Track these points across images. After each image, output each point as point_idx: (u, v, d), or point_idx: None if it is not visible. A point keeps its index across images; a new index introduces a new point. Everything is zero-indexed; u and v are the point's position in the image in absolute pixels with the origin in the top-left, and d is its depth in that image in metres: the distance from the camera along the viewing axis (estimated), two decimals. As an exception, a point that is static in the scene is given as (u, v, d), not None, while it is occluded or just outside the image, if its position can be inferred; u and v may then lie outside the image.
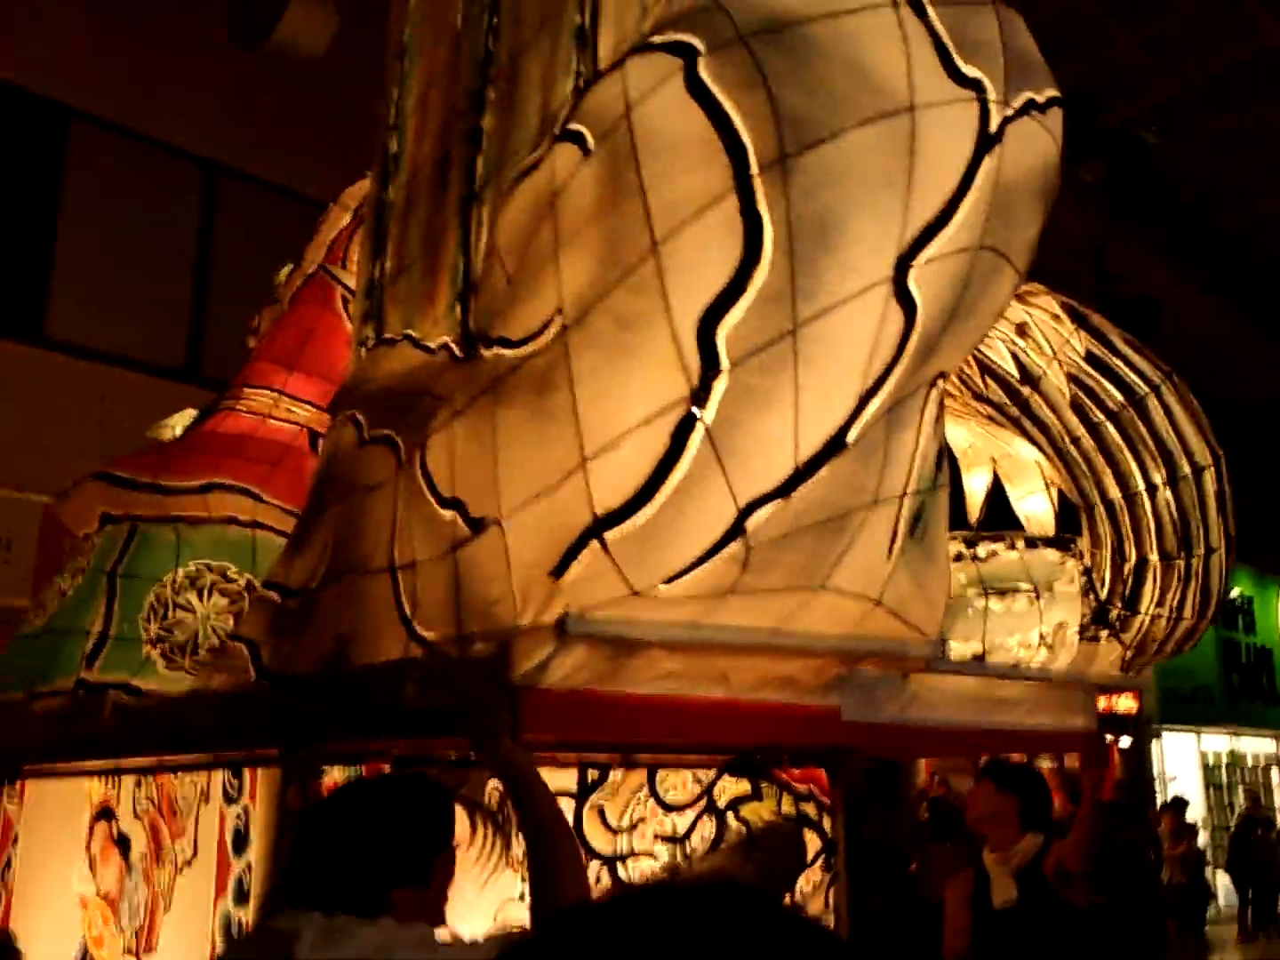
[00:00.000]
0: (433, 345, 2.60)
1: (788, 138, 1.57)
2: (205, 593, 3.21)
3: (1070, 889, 2.71)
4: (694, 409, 1.60)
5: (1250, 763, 15.48)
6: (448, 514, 1.94)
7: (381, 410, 2.49)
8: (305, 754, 2.28)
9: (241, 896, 2.34)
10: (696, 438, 1.60)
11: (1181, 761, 13.69)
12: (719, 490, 1.63)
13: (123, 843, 2.83)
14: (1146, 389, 2.50)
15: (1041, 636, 2.52)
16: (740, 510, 1.64)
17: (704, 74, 1.64)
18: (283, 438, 3.53)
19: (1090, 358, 2.53)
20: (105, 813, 2.92)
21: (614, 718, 1.90)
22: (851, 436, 1.68)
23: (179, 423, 4.58)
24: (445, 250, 2.60)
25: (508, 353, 1.82)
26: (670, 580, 1.69)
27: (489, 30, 2.47)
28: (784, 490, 1.65)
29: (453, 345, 2.49)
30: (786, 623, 1.87)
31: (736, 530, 1.65)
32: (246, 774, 2.42)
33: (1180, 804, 10.39)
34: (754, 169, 1.57)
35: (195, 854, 2.53)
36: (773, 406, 1.62)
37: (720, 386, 1.59)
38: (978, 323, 1.83)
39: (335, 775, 2.40)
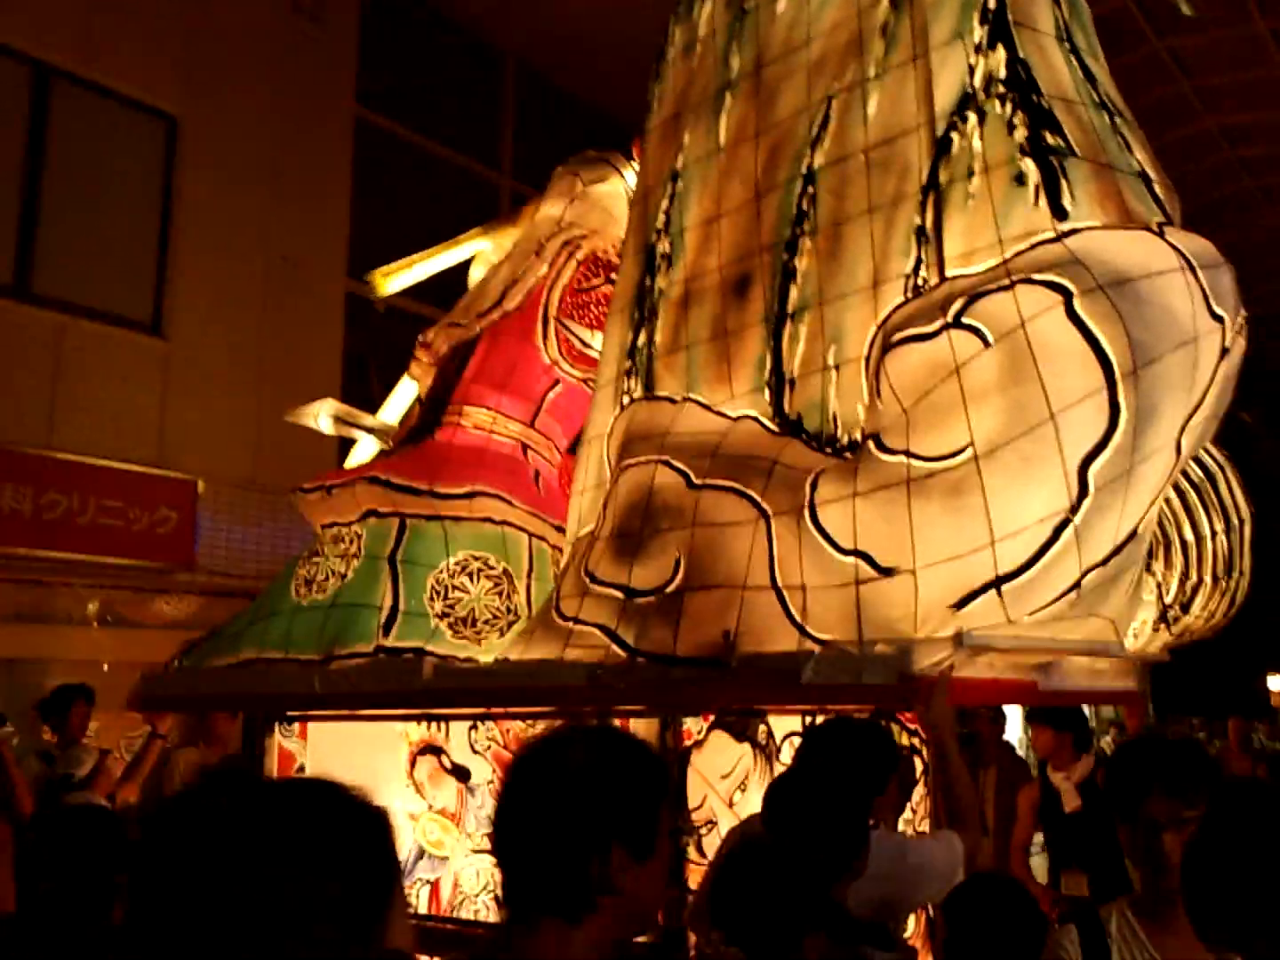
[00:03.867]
0: (731, 414, 3.56)
1: (1137, 357, 2.65)
2: (474, 577, 4.06)
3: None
4: (1070, 516, 2.67)
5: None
6: (849, 559, 2.94)
7: (708, 464, 3.43)
8: (674, 709, 3.26)
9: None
10: (1068, 532, 2.68)
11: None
12: (1073, 562, 2.71)
13: (458, 772, 3.71)
14: (1216, 468, 3.73)
15: (1134, 631, 3.72)
16: (1082, 572, 2.73)
17: (1079, 308, 2.69)
18: (508, 451, 4.39)
19: (1179, 445, 3.73)
20: (431, 749, 3.80)
21: (960, 693, 2.96)
22: (1140, 529, 2.80)
23: (320, 411, 5.30)
24: (745, 345, 3.55)
25: (918, 463, 2.83)
26: (1032, 614, 2.77)
27: (803, 195, 3.42)
28: (1105, 561, 2.75)
29: (763, 418, 3.47)
30: (1063, 634, 2.97)
31: (1077, 585, 2.75)
32: (616, 723, 3.37)
33: None
34: (1117, 375, 2.64)
35: (558, 780, 3.46)
36: (1110, 513, 2.70)
37: (1087, 503, 2.66)
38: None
39: (689, 725, 3.40)
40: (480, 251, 5.52)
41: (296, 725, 4.20)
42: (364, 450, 5.48)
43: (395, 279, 5.88)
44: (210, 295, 9.23)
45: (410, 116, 11.63)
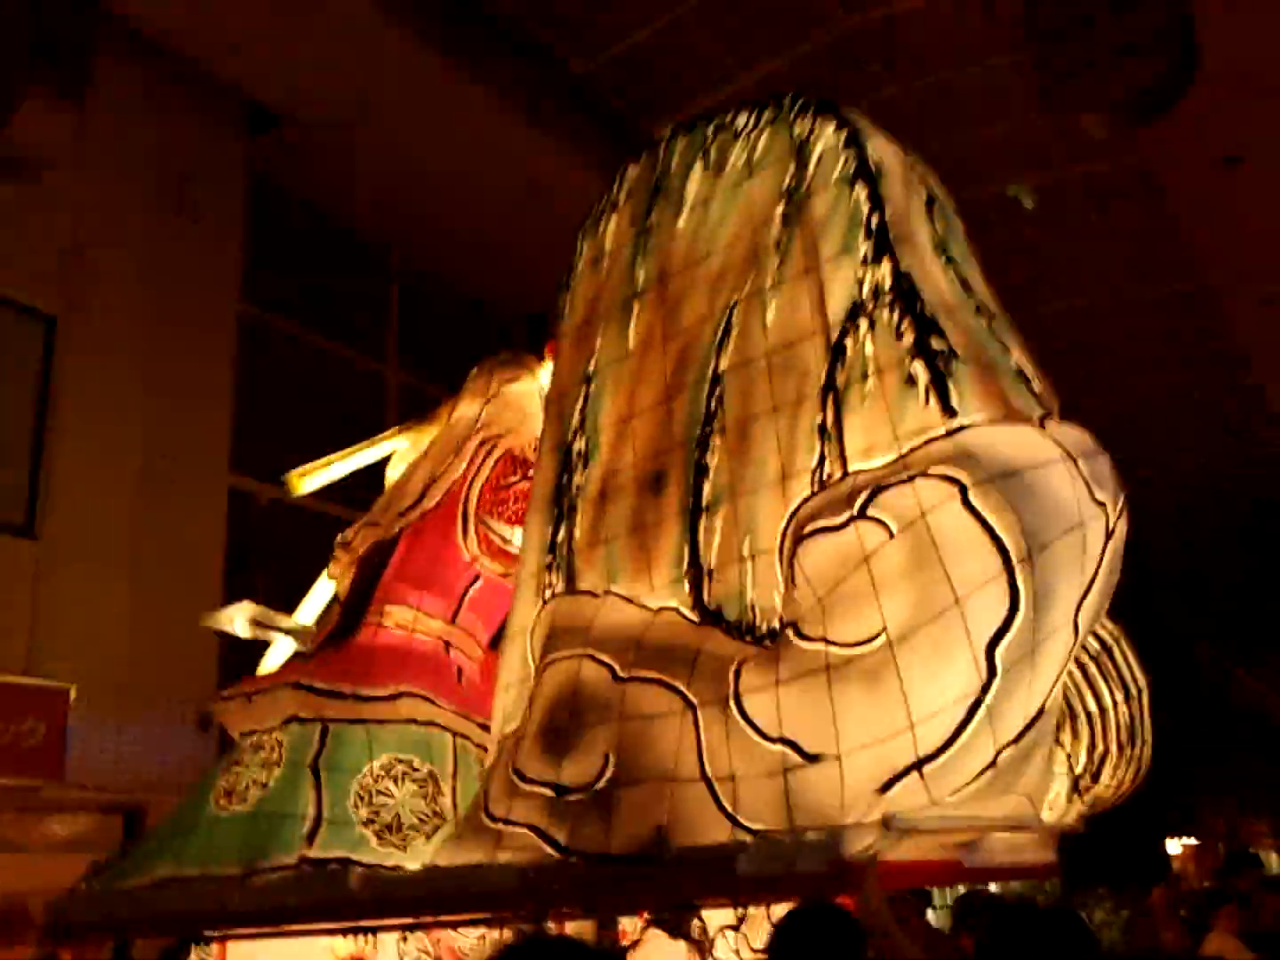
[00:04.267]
0: (652, 605, 3.66)
1: (1030, 543, 2.82)
2: (399, 781, 4.03)
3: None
4: (981, 695, 2.79)
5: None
6: (776, 747, 3.02)
7: (634, 656, 3.50)
8: (610, 908, 3.25)
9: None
10: (981, 712, 2.80)
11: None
12: (988, 740, 2.82)
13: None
14: (1112, 640, 3.93)
15: (1049, 803, 3.82)
16: (997, 750, 2.84)
17: (973, 500, 2.87)
18: (430, 649, 4.42)
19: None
20: (358, 964, 3.69)
21: (891, 876, 3.01)
22: (1048, 704, 2.93)
23: (235, 614, 5.29)
24: (662, 539, 3.67)
25: (836, 650, 2.95)
26: (953, 793, 2.86)
27: (711, 395, 3.61)
28: (1018, 738, 2.87)
29: (683, 609, 3.57)
30: (983, 811, 3.06)
31: (993, 763, 2.85)
32: (551, 924, 3.33)
33: None
34: (1014, 561, 2.81)
35: (492, 990, 3.38)
36: (1019, 691, 2.83)
37: (996, 683, 2.79)
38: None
39: (625, 925, 3.37)
40: (396, 450, 5.64)
41: (214, 946, 4.05)
42: (279, 652, 5.44)
43: (311, 479, 5.95)
44: (86, 495, 9.06)
45: (295, 311, 11.81)
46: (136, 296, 9.70)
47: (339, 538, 5.03)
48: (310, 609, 5.43)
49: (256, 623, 5.28)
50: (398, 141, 10.92)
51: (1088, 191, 11.43)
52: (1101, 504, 3.00)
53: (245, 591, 9.46)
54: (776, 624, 3.27)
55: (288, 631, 5.23)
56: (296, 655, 4.93)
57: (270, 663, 5.42)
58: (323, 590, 5.38)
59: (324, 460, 5.96)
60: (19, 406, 8.97)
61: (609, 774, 3.37)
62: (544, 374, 5.07)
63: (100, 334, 9.40)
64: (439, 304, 13.58)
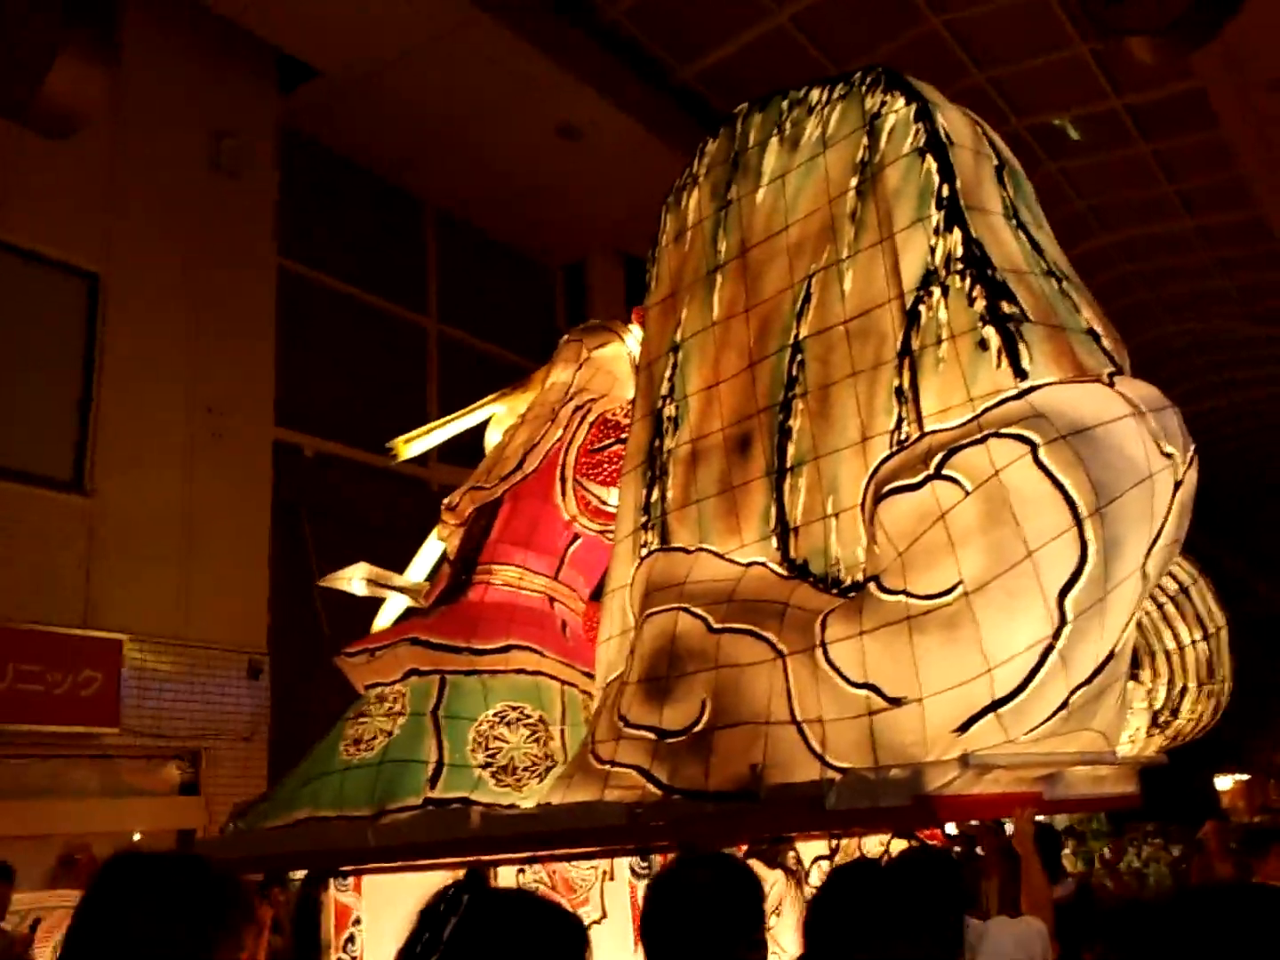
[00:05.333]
0: (742, 560, 3.90)
1: (1099, 497, 2.99)
2: (512, 726, 4.34)
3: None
4: (1053, 641, 2.98)
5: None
6: (860, 692, 3.24)
7: (726, 609, 3.75)
8: (710, 841, 3.52)
9: (667, 940, 3.53)
10: (1053, 656, 2.99)
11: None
12: (1061, 682, 3.02)
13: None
14: (1190, 580, 4.08)
15: (1130, 738, 4.01)
16: (1070, 692, 3.04)
17: (1044, 458, 3.05)
18: (536, 604, 4.71)
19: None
20: (482, 895, 4.03)
21: (971, 809, 3.23)
22: (1118, 648, 3.11)
23: (354, 575, 5.64)
24: (750, 498, 3.90)
25: (915, 601, 3.16)
26: (1028, 732, 3.06)
27: (792, 362, 3.81)
28: (1090, 680, 3.06)
29: (772, 565, 3.80)
30: (1059, 748, 3.25)
31: (1066, 703, 3.05)
32: (655, 858, 3.62)
33: None
34: (1084, 515, 2.98)
35: (605, 916, 3.70)
36: (1090, 637, 3.02)
37: (1067, 630, 2.98)
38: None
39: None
40: (494, 415, 5.93)
41: (351, 880, 4.43)
42: (392, 609, 5.80)
43: (415, 444, 6.27)
44: (135, 450, 9.32)
45: (333, 264, 11.89)
46: (177, 252, 9.88)
47: (445, 501, 5.33)
48: (419, 568, 5.77)
49: (371, 582, 5.62)
50: (431, 92, 10.90)
51: (1136, 121, 11.22)
52: (1169, 456, 3.15)
53: (292, 542, 9.80)
54: (860, 577, 3.49)
55: (400, 590, 5.57)
56: (412, 612, 5.26)
57: (383, 619, 5.78)
58: (430, 551, 5.72)
59: (427, 426, 6.28)
60: (66, 364, 9.25)
61: (706, 718, 3.63)
62: (631, 339, 5.30)
63: (143, 290, 9.62)
64: (477, 255, 13.61)
